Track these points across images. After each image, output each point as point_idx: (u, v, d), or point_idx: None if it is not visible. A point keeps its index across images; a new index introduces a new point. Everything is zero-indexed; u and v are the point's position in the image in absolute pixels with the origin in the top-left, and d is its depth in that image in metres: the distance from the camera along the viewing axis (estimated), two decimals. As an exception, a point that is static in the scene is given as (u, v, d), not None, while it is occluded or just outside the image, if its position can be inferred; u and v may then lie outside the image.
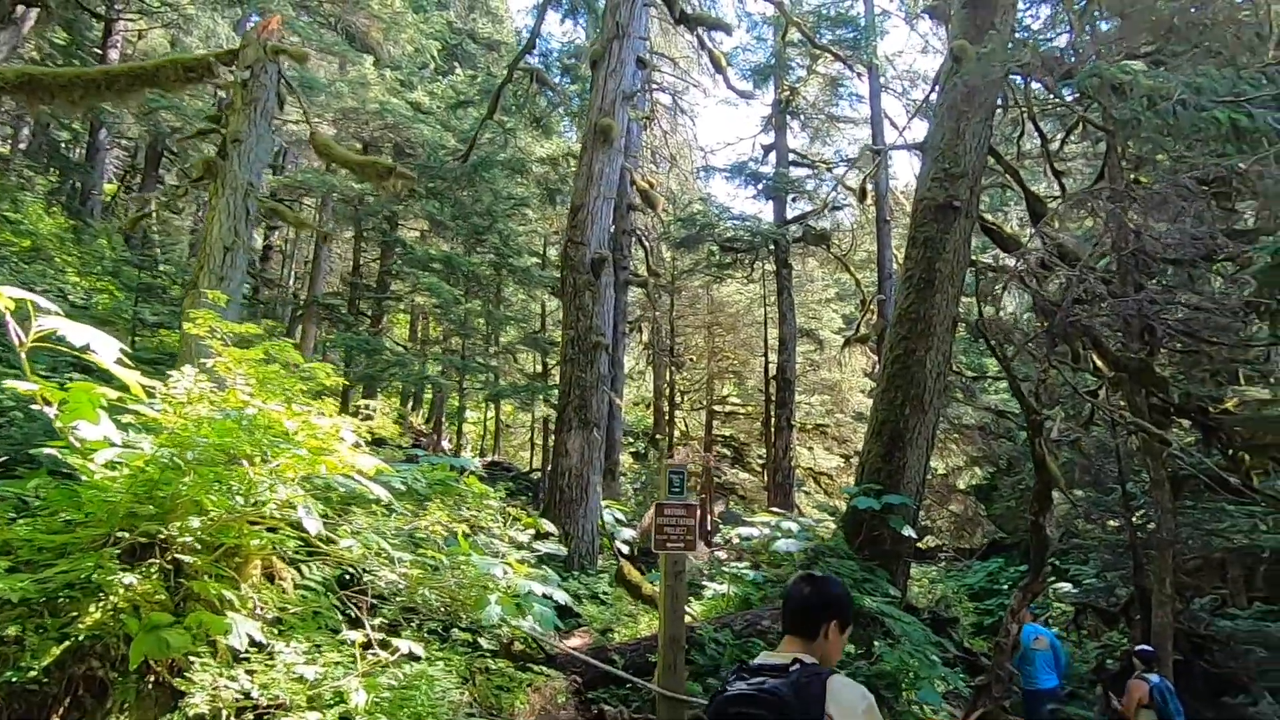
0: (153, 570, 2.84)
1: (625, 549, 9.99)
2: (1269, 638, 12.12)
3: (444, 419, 21.94)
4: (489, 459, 18.27)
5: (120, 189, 20.15)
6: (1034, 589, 6.02)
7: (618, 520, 10.10)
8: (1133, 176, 9.44)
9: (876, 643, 6.50)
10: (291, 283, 22.00)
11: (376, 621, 4.43)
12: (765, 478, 20.29)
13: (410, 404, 25.24)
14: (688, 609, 7.26)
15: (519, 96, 14.25)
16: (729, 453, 23.12)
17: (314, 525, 3.11)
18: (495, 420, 22.02)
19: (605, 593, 8.13)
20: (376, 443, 9.07)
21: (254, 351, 3.80)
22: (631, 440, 25.65)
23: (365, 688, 3.18)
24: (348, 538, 3.77)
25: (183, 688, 2.76)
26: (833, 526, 9.19)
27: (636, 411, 27.39)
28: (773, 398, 17.96)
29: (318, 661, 3.26)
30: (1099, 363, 8.88)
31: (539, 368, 21.27)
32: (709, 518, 21.41)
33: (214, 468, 2.98)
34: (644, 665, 5.61)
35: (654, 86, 19.08)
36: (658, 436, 21.88)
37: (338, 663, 3.39)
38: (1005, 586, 21.60)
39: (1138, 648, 7.43)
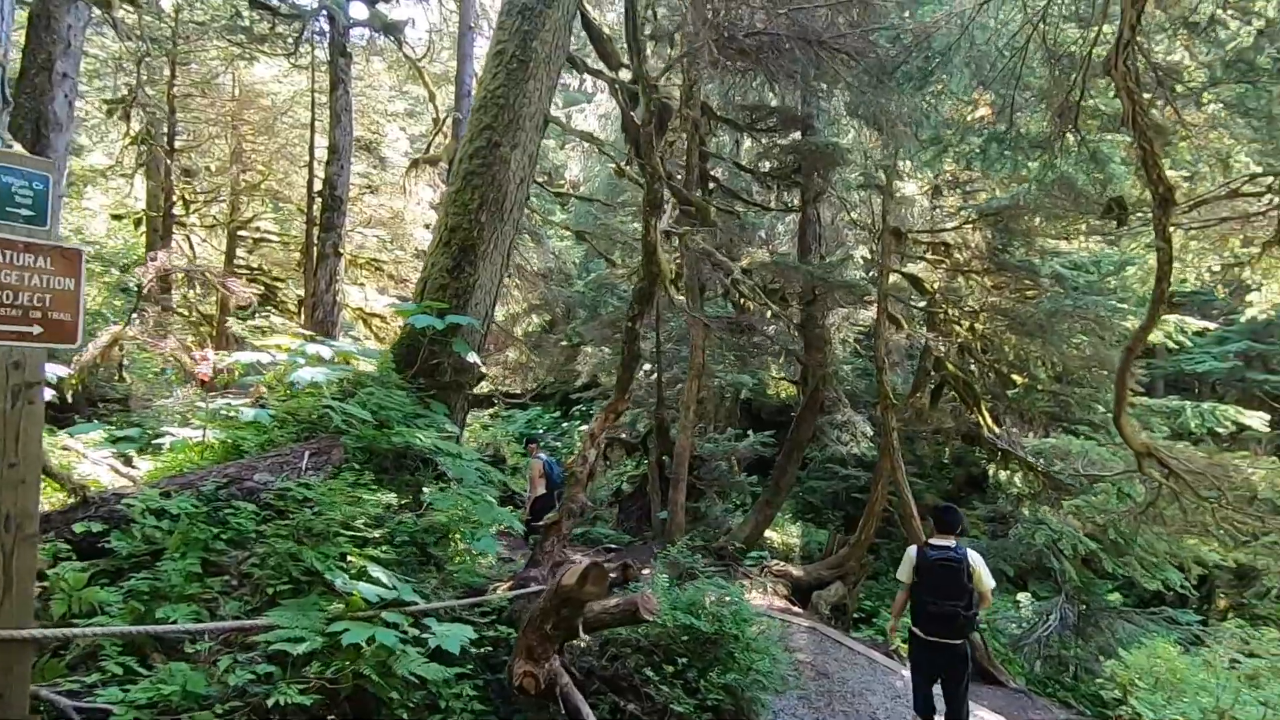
0: None
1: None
2: (724, 454, 15.17)
3: None
4: None
5: None
6: (618, 408, 5.35)
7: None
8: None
9: (427, 489, 5.10)
10: None
11: None
12: (303, 318, 16.95)
13: None
14: (131, 468, 4.63)
15: None
16: (258, 290, 18.71)
17: None
18: None
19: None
20: None
21: None
22: (104, 267, 18.70)
23: None
24: None
25: None
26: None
27: (116, 229, 20.14)
28: (316, 219, 14.58)
29: None
30: (670, 196, 8.79)
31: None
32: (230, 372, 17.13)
33: None
34: None
35: None
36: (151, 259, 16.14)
37: None
38: (541, 431, 23.36)
39: (528, 442, 9.76)
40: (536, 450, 9.66)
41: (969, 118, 5.81)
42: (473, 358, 6.44)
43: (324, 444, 4.39)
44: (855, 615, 11.45)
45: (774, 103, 12.01)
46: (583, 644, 4.61)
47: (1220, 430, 11.08)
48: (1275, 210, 4.74)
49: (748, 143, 14.13)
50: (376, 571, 3.24)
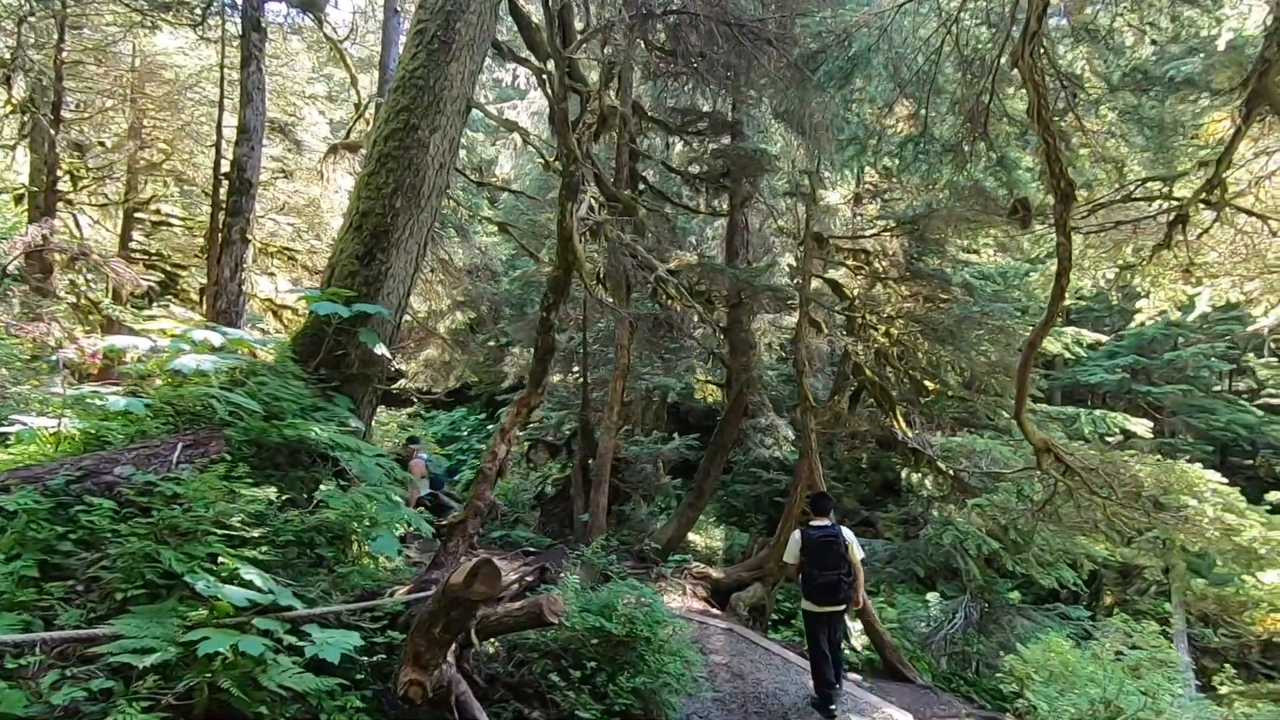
0: None
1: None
2: (650, 456, 15.14)
3: None
4: None
5: None
6: (531, 403, 5.14)
7: None
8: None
9: (325, 485, 4.76)
10: None
11: None
12: (205, 308, 15.86)
13: None
14: (-31, 462, 4.09)
15: None
16: (156, 277, 17.38)
17: None
18: None
19: None
20: None
21: None
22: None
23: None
24: None
25: None
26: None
27: (-5, 206, 18.38)
28: (223, 203, 13.67)
29: None
30: (598, 193, 8.66)
31: None
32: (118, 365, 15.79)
33: None
34: None
35: None
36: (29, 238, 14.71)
37: None
38: (465, 433, 22.70)
39: (408, 442, 10.46)
40: (417, 450, 9.63)
41: (887, 121, 5.98)
42: (382, 349, 6.09)
43: (202, 436, 4.00)
44: (774, 616, 11.58)
45: (705, 108, 12.09)
46: (490, 649, 4.38)
47: (1110, 437, 11.87)
48: (1164, 215, 5.10)
49: (679, 146, 14.18)
50: (250, 574, 2.94)
